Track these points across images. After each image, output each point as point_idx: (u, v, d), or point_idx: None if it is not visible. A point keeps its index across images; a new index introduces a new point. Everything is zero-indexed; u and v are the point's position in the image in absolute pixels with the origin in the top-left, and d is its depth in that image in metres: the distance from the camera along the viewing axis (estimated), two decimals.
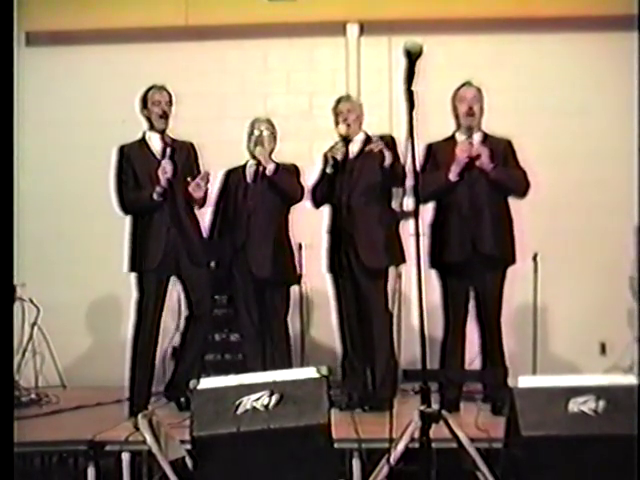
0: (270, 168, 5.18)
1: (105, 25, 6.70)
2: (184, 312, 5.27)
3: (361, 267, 5.05)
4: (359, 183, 5.04)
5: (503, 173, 4.88)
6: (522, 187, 4.95)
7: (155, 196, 5.00)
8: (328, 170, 5.10)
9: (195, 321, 5.22)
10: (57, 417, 5.12)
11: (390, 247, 5.09)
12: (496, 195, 4.93)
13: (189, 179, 5.02)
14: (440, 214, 5.01)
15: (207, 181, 5.05)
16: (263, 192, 5.20)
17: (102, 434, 4.28)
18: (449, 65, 6.32)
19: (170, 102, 5.17)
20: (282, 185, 5.20)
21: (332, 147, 5.11)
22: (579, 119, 6.56)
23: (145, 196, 5.04)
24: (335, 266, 5.16)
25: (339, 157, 5.05)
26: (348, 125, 5.12)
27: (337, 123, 5.15)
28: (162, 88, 5.19)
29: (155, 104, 5.13)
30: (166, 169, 5.01)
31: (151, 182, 5.03)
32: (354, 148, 5.14)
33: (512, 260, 4.98)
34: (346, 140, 5.09)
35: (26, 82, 6.48)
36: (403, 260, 5.19)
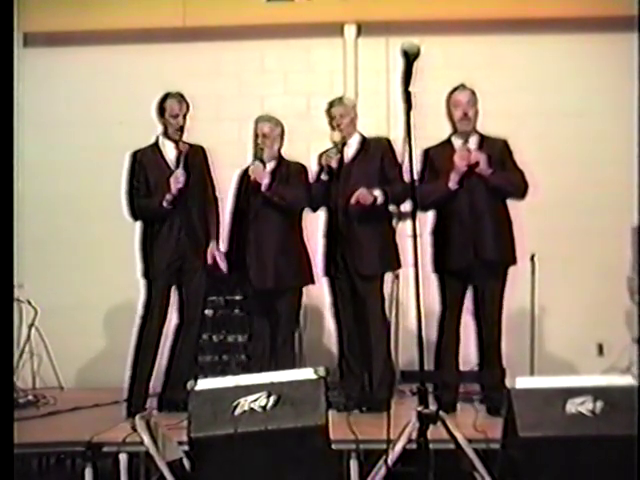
0: (264, 184, 5.11)
1: (103, 26, 6.69)
2: (174, 319, 5.24)
3: (356, 273, 5.05)
4: (355, 188, 5.00)
5: (502, 178, 4.89)
6: (521, 189, 4.96)
7: (165, 204, 5.01)
8: (323, 177, 5.08)
9: (187, 328, 5.21)
10: (54, 418, 5.10)
11: (385, 253, 5.08)
12: (495, 199, 4.93)
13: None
14: (440, 221, 5.01)
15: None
16: (260, 203, 5.17)
17: (99, 435, 4.27)
18: (447, 66, 6.33)
19: (187, 112, 5.16)
20: (277, 201, 5.13)
21: (326, 153, 5.09)
22: (577, 120, 6.56)
23: (155, 203, 5.04)
24: (331, 270, 5.16)
25: (334, 165, 5.03)
26: (341, 130, 5.10)
27: (332, 126, 5.15)
28: (181, 97, 5.15)
29: (173, 116, 5.12)
30: (179, 179, 5.00)
31: (162, 190, 5.03)
32: (349, 151, 5.12)
33: (513, 261, 4.99)
34: (341, 145, 5.08)
35: (24, 83, 6.47)
36: (398, 266, 5.18)
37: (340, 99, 5.30)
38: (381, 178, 5.04)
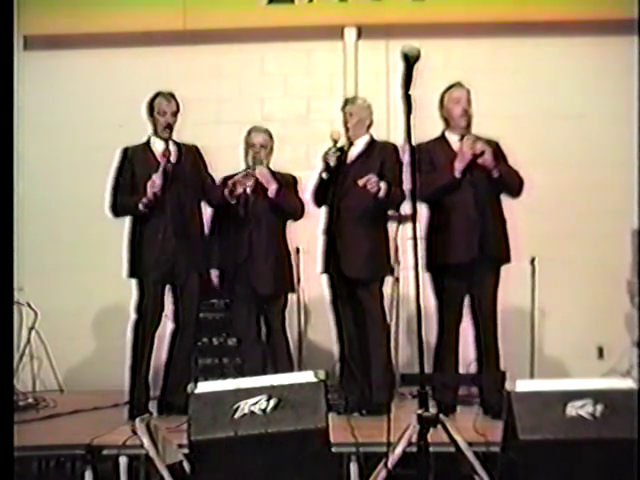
0: (272, 190, 5.14)
1: (103, 29, 6.70)
2: (170, 322, 5.26)
3: (343, 274, 5.05)
4: (353, 189, 4.99)
5: (504, 170, 4.89)
6: (519, 184, 4.98)
7: (141, 206, 5.00)
8: (323, 175, 5.08)
9: (182, 330, 5.23)
10: (54, 421, 5.10)
11: (374, 259, 5.04)
12: (494, 194, 4.95)
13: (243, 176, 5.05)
14: (442, 215, 4.97)
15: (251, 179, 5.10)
16: (265, 210, 5.18)
17: (99, 438, 4.27)
18: (447, 69, 6.32)
19: (177, 112, 5.17)
20: (285, 207, 5.20)
21: (326, 152, 5.08)
22: (577, 123, 6.56)
23: (132, 204, 5.05)
24: (330, 267, 5.15)
25: (332, 163, 5.02)
26: (347, 129, 5.10)
27: (344, 123, 5.14)
28: (170, 97, 5.17)
29: (161, 114, 5.13)
30: (155, 183, 4.99)
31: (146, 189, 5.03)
32: (354, 151, 5.12)
33: (508, 259, 5.00)
34: (348, 144, 5.07)
35: (24, 85, 6.47)
36: (390, 272, 5.16)
37: (355, 98, 5.31)
38: (377, 203, 5.02)
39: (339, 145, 5.05)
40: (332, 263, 5.07)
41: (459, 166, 4.84)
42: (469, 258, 4.86)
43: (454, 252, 4.89)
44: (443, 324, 4.99)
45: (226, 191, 5.11)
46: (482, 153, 4.81)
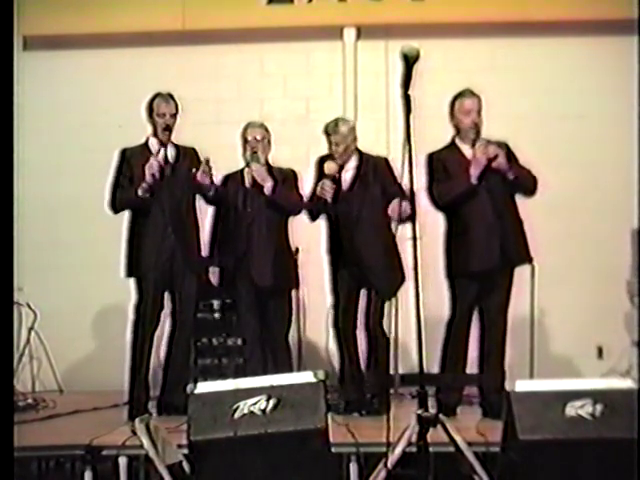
0: (268, 187, 5.12)
1: (102, 29, 6.70)
2: (168, 321, 5.26)
3: (375, 294, 5.06)
4: (362, 216, 5.02)
5: (519, 172, 4.88)
6: (535, 184, 4.96)
7: (140, 192, 4.99)
8: (321, 207, 5.08)
9: (180, 329, 5.23)
10: (54, 422, 5.11)
11: (396, 272, 5.06)
12: (509, 196, 4.93)
13: (193, 170, 5.02)
14: (460, 222, 4.96)
15: (209, 167, 5.03)
16: (261, 204, 5.17)
17: (99, 439, 4.27)
18: (446, 69, 6.34)
19: (175, 113, 5.16)
20: (282, 203, 5.17)
21: (321, 184, 5.04)
22: (577, 123, 6.57)
23: (131, 195, 5.05)
24: (338, 286, 5.16)
25: (329, 198, 5.00)
26: (334, 157, 5.08)
27: (330, 150, 5.12)
28: (169, 97, 5.16)
29: (160, 116, 5.13)
30: (152, 165, 4.98)
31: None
32: (347, 176, 5.11)
33: (529, 260, 5.03)
34: (338, 170, 5.06)
35: (23, 86, 6.47)
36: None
37: (336, 124, 5.16)
38: (384, 198, 5.03)
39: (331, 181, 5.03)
40: (351, 279, 5.08)
41: (475, 172, 4.81)
42: (491, 265, 4.85)
43: (476, 259, 4.87)
44: (452, 327, 4.97)
45: None
46: (496, 157, 4.80)
